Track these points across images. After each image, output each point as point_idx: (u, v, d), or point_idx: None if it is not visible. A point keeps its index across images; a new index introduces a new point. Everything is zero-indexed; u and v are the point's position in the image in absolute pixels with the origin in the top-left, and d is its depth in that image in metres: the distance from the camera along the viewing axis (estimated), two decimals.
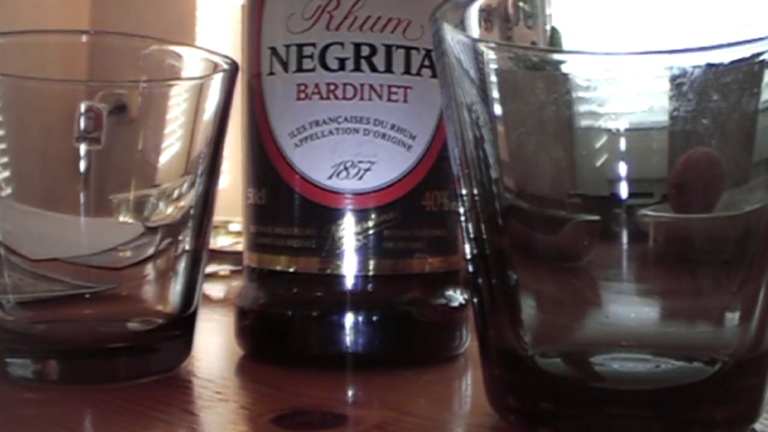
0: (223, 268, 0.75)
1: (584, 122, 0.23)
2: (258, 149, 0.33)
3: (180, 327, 0.31)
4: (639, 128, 0.22)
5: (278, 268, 0.32)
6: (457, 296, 0.33)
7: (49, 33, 0.32)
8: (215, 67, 0.32)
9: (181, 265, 0.31)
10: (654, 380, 0.22)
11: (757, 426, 0.22)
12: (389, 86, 0.31)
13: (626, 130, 0.22)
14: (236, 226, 0.95)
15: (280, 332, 0.33)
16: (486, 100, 0.23)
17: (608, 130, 0.22)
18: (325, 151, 0.31)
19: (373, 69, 0.31)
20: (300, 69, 0.32)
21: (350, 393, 0.29)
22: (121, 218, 0.31)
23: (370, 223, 0.31)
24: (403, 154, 0.31)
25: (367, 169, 0.31)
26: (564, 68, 0.23)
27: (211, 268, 0.72)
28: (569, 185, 0.23)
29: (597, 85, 0.22)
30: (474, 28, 0.24)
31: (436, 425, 0.24)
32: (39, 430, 0.24)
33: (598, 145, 0.22)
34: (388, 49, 0.31)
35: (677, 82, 0.21)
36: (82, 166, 0.30)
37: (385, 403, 0.27)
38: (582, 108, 0.23)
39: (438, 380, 0.31)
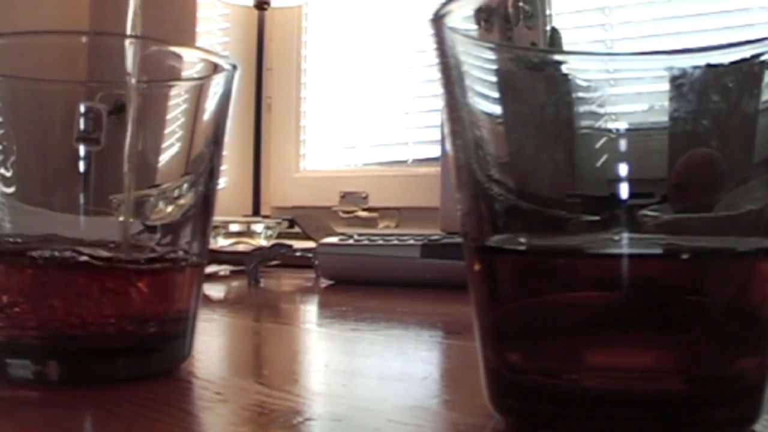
0: (223, 269, 0.75)
1: (584, 123, 0.23)
2: None
3: (180, 327, 0.31)
4: (639, 129, 0.22)
5: None
6: None
7: (49, 33, 0.32)
8: (215, 68, 0.32)
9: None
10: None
11: (757, 427, 0.22)
12: None
13: (626, 130, 0.22)
14: (236, 226, 0.95)
15: None
16: (486, 100, 0.23)
17: (608, 131, 0.22)
18: None
19: None
20: None
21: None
22: (121, 218, 0.31)
23: None
24: None
25: None
26: (564, 69, 0.23)
27: (211, 268, 0.72)
28: (569, 186, 0.23)
29: (597, 85, 0.22)
30: (474, 29, 0.24)
31: (435, 425, 0.24)
32: (39, 431, 0.24)
33: (598, 145, 0.22)
34: None
35: (677, 82, 0.21)
36: (82, 166, 0.30)
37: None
38: (582, 108, 0.23)
39: (438, 380, 0.31)
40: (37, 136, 0.31)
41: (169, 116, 0.32)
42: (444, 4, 0.23)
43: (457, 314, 0.48)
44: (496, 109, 0.24)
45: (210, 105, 0.32)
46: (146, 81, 0.32)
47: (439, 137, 1.03)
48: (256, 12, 1.47)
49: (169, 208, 0.32)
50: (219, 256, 0.75)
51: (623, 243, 0.21)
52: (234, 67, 0.32)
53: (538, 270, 0.23)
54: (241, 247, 0.89)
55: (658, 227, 0.22)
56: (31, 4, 1.48)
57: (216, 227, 0.90)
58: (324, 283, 0.68)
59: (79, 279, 0.29)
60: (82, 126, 0.30)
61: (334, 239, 0.72)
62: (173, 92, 0.33)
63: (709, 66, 0.21)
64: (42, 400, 0.27)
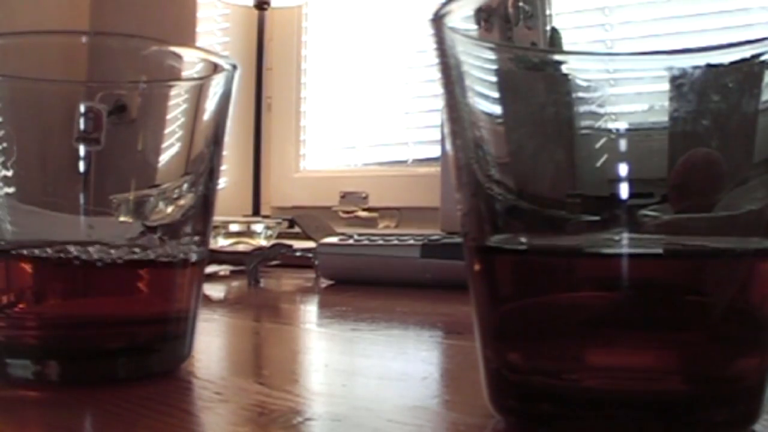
0: (223, 269, 0.75)
1: (584, 123, 0.23)
2: None
3: (180, 327, 0.31)
4: (639, 129, 0.22)
5: None
6: None
7: (49, 33, 0.32)
8: (215, 68, 0.32)
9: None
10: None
11: (757, 427, 0.22)
12: None
13: (626, 130, 0.22)
14: (236, 226, 0.95)
15: None
16: (486, 100, 0.23)
17: (608, 131, 0.22)
18: None
19: None
20: None
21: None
22: (121, 218, 0.31)
23: None
24: None
25: None
26: (564, 69, 0.23)
27: (211, 269, 0.72)
28: (569, 186, 0.23)
29: (597, 85, 0.22)
30: (474, 29, 0.24)
31: (435, 425, 0.24)
32: (39, 431, 0.24)
33: (598, 145, 0.22)
34: None
35: (677, 82, 0.21)
36: (82, 166, 0.30)
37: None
38: (582, 108, 0.23)
39: (438, 380, 0.31)
40: (37, 136, 0.31)
41: (169, 116, 0.32)
42: (444, 4, 0.23)
43: (457, 314, 0.48)
44: (496, 109, 0.24)
45: (210, 105, 0.32)
46: (146, 81, 0.32)
47: (439, 137, 1.03)
48: (256, 12, 1.47)
49: (169, 208, 0.32)
50: (219, 256, 0.75)
51: (623, 243, 0.21)
52: (234, 67, 0.32)
53: (538, 270, 0.23)
54: (241, 247, 0.88)
55: (658, 227, 0.22)
56: (31, 4, 1.48)
57: (216, 227, 0.90)
58: (324, 283, 0.68)
59: (79, 279, 0.29)
60: (82, 126, 0.30)
61: (334, 239, 0.72)
62: (173, 92, 0.33)
63: (709, 66, 0.21)
64: (42, 400, 0.27)
